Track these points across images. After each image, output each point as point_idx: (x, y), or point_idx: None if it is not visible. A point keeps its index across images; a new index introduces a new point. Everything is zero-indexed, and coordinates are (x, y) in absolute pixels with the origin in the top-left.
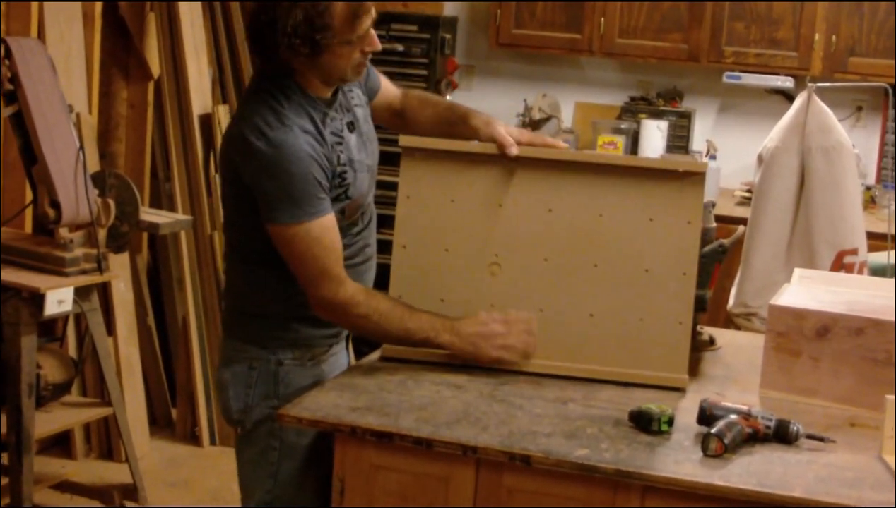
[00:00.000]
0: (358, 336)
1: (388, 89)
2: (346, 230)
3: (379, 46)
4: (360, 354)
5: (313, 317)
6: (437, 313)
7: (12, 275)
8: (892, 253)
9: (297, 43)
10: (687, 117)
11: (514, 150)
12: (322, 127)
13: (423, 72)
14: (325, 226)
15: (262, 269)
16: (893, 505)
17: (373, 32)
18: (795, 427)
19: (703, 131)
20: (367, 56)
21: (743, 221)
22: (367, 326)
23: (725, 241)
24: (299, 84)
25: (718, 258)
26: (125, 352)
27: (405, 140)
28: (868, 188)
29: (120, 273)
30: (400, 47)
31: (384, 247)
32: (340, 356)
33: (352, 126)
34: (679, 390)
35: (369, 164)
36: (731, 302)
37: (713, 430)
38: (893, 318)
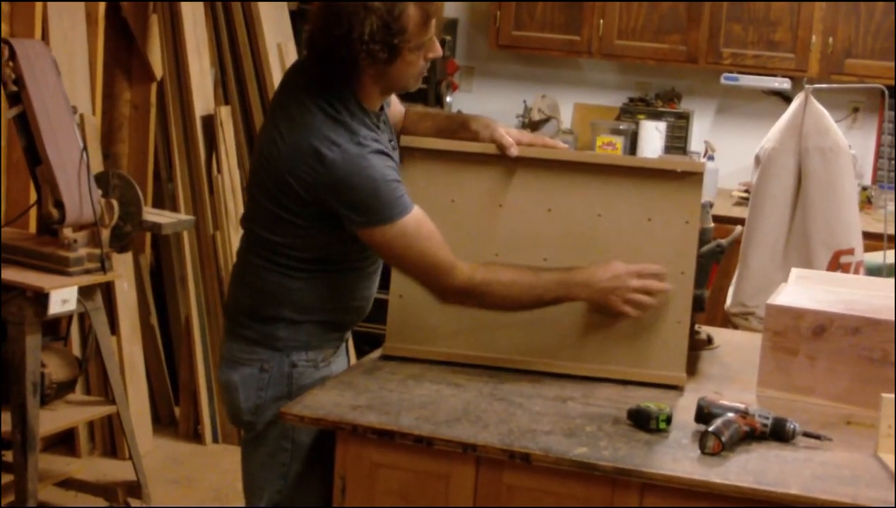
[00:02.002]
0: (493, 310)
1: (396, 106)
2: None
3: (440, 53)
4: (361, 353)
5: (326, 321)
6: (562, 267)
7: (17, 275)
8: (889, 253)
9: (375, 49)
10: (685, 118)
11: (514, 151)
12: (380, 136)
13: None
14: (417, 218)
15: (285, 274)
16: (891, 504)
17: (435, 38)
18: (792, 426)
19: (701, 132)
20: (428, 63)
21: (740, 221)
22: (496, 301)
23: (723, 241)
24: (358, 97)
25: (716, 258)
26: (128, 351)
27: (405, 140)
28: (864, 188)
29: (123, 272)
30: None
31: None
32: (344, 356)
33: (390, 139)
34: (677, 388)
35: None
36: (728, 301)
37: (711, 428)
38: (890, 317)
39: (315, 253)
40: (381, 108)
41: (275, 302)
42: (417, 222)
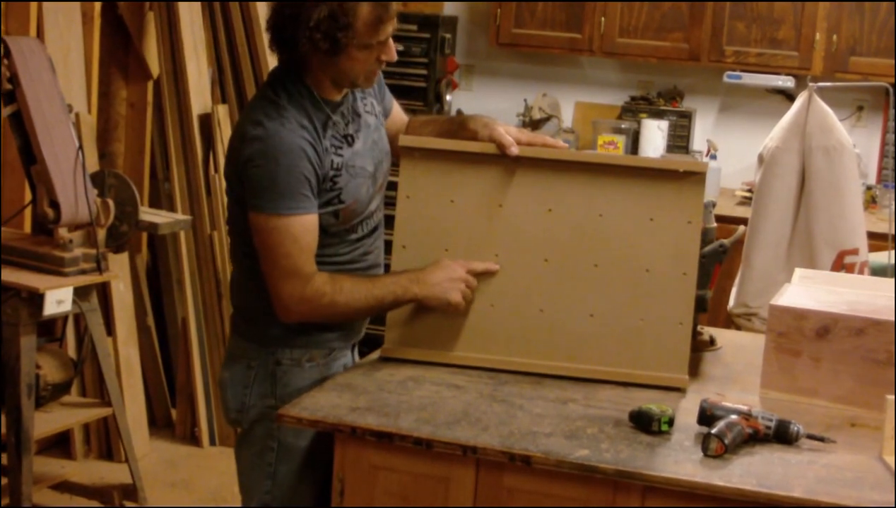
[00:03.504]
0: (331, 322)
1: (400, 116)
2: (343, 236)
3: (395, 57)
4: (360, 354)
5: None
6: (401, 270)
7: (12, 275)
8: (893, 253)
9: (317, 38)
10: (687, 117)
11: (514, 150)
12: (321, 129)
13: (423, 71)
14: (305, 225)
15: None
16: (894, 506)
17: (391, 42)
18: (796, 428)
19: (703, 131)
20: (381, 64)
21: (743, 221)
22: (337, 310)
23: (726, 241)
24: (309, 85)
25: (719, 258)
26: (124, 353)
27: (405, 140)
28: (869, 188)
29: (119, 273)
30: (400, 47)
31: (384, 248)
32: (344, 361)
33: (357, 132)
34: (679, 390)
35: (371, 172)
36: (731, 302)
37: (713, 430)
38: (894, 318)
39: None
40: (344, 100)
41: (260, 299)
42: (302, 228)
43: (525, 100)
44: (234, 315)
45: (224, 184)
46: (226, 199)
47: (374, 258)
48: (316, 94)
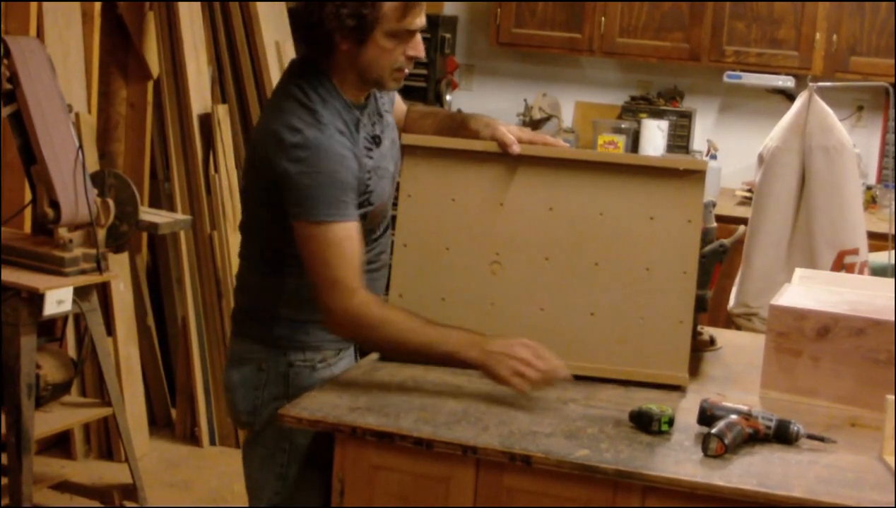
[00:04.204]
0: (370, 348)
1: (399, 106)
2: (367, 236)
3: (423, 54)
4: (361, 354)
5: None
6: (460, 327)
7: (11, 275)
8: (893, 253)
9: (344, 14)
10: (687, 117)
11: (516, 148)
12: (355, 132)
13: (423, 71)
14: (348, 232)
15: (280, 271)
16: (894, 507)
17: (419, 38)
18: (796, 428)
19: (703, 131)
20: (409, 62)
21: (744, 221)
22: (382, 339)
23: (726, 241)
24: (333, 83)
25: (719, 258)
26: (125, 352)
27: (407, 138)
28: (869, 188)
29: (119, 273)
30: None
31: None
32: (349, 360)
33: (382, 133)
34: (679, 388)
35: (393, 172)
36: (731, 302)
37: (714, 430)
38: (894, 318)
39: None
40: (367, 101)
41: (273, 301)
42: (346, 236)
43: (525, 100)
44: (242, 317)
45: (230, 182)
46: (233, 200)
47: (386, 257)
48: (343, 96)
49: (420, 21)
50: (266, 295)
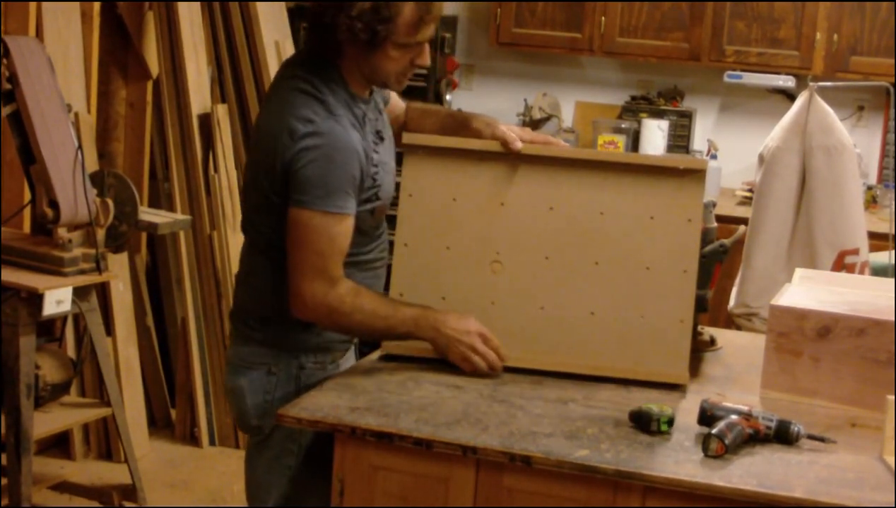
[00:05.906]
0: (338, 333)
1: (397, 102)
2: (373, 232)
3: (428, 62)
4: (360, 353)
5: None
6: (423, 306)
7: (11, 275)
8: (893, 253)
9: (357, 28)
10: (688, 117)
11: (518, 144)
12: (362, 125)
13: (423, 71)
14: (345, 226)
15: (287, 273)
16: (894, 507)
17: (427, 47)
18: (796, 428)
19: (704, 131)
20: (414, 68)
21: (744, 221)
22: (351, 323)
23: (726, 241)
24: (342, 75)
25: (719, 258)
26: (124, 353)
27: (407, 137)
28: (869, 188)
29: (119, 273)
30: None
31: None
32: (351, 358)
33: (384, 128)
34: (679, 388)
35: (394, 166)
36: (731, 302)
37: (714, 431)
38: (894, 319)
39: None
40: (370, 97)
41: (280, 303)
42: (345, 229)
43: (525, 100)
44: (246, 320)
45: (229, 182)
46: (233, 200)
47: (385, 255)
48: (350, 89)
49: (430, 33)
50: (273, 298)
